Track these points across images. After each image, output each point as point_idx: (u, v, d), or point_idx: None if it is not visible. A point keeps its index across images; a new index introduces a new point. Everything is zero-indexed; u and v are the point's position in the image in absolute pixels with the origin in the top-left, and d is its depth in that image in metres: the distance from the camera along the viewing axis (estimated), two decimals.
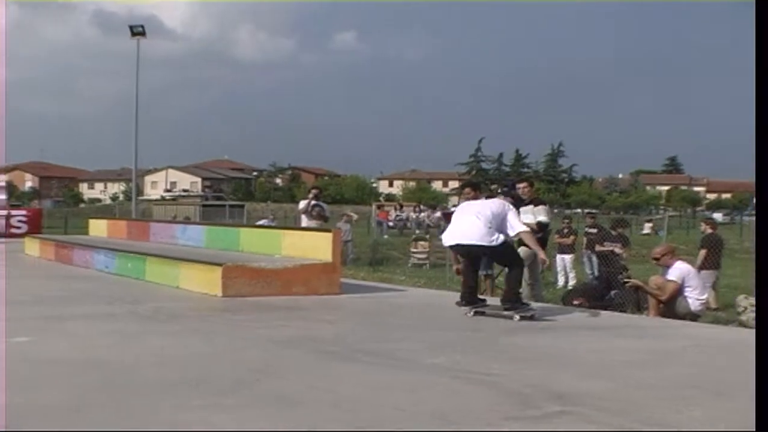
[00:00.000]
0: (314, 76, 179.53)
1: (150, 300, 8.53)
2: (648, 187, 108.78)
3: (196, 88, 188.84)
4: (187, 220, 28.01)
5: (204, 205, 54.91)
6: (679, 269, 9.43)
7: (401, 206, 48.40)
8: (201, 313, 7.81)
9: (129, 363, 5.09)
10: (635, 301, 10.29)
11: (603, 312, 8.69)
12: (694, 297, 9.40)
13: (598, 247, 16.01)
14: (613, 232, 16.92)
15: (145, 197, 79.46)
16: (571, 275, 17.83)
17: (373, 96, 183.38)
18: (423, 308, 8.85)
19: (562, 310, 8.97)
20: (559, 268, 18.11)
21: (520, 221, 7.85)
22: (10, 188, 40.11)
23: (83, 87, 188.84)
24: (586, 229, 19.14)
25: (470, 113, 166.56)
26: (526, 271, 9.09)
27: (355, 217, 29.92)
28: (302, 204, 17.17)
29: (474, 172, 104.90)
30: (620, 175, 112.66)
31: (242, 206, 52.90)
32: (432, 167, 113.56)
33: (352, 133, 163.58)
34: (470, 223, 7.57)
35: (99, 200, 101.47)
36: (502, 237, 7.51)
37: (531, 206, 10.24)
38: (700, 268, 12.70)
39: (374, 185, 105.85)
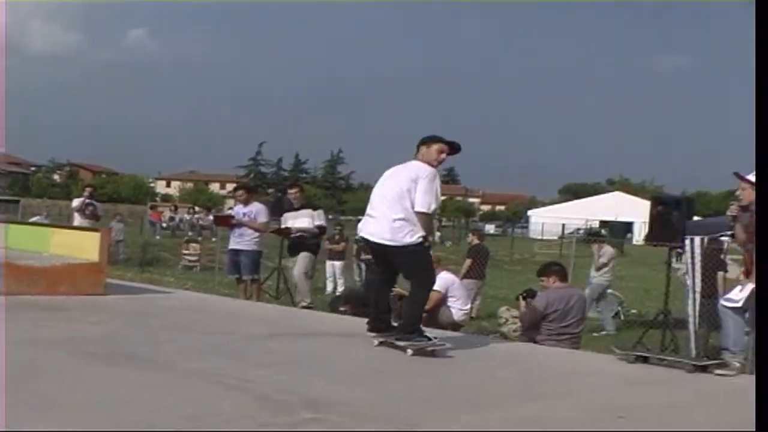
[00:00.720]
0: (100, 72, 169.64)
1: None
2: None
3: None
4: None
5: None
6: (443, 279, 9.47)
7: (176, 207, 47.56)
8: None
9: None
10: (398, 310, 10.59)
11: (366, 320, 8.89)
12: (458, 307, 9.65)
13: (363, 255, 16.41)
14: None
15: None
16: (340, 281, 18.16)
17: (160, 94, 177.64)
18: (188, 311, 8.69)
19: (328, 317, 9.12)
20: (328, 274, 18.42)
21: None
22: None
23: None
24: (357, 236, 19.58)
25: (252, 118, 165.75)
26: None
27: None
28: (76, 202, 17.33)
29: (252, 176, 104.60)
30: None
31: (17, 201, 49.46)
32: (211, 169, 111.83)
33: (136, 130, 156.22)
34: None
35: None
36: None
37: (309, 210, 10.36)
38: (464, 277, 13.41)
39: (152, 185, 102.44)
